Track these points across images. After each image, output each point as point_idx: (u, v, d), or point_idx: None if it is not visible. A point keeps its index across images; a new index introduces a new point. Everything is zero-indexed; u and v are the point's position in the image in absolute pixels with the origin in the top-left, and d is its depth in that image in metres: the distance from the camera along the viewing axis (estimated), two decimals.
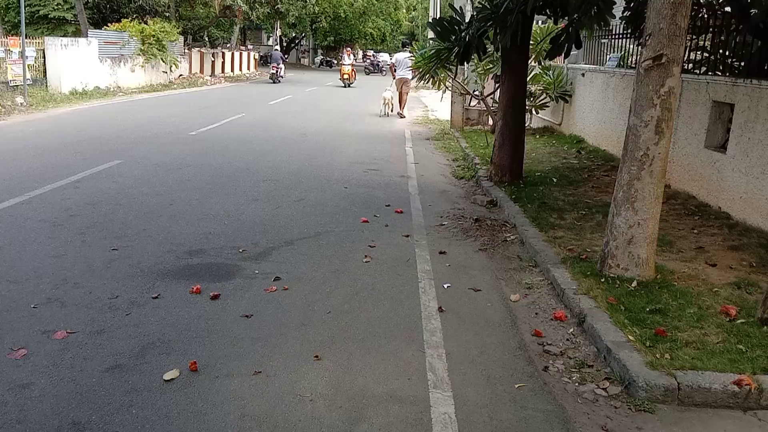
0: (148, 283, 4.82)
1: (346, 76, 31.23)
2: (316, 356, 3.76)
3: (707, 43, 8.39)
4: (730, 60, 7.82)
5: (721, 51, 7.91)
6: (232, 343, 3.90)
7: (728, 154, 6.98)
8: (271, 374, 3.55)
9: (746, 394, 3.37)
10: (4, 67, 16.70)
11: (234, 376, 3.51)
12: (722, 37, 7.83)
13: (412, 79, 17.67)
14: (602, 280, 4.83)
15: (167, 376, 3.46)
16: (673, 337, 3.90)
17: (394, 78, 18.96)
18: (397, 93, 18.55)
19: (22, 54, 16.95)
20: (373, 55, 55.49)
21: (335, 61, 52.35)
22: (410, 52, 17.64)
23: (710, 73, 7.85)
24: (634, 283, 4.73)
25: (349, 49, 33.69)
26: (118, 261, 5.25)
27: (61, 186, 7.70)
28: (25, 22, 17.75)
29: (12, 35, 19.71)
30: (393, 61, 19.99)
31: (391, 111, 18.51)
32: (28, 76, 17.43)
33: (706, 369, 3.52)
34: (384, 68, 44.45)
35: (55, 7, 28.56)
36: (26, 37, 17.42)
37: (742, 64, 7.51)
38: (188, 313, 4.30)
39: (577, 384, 3.63)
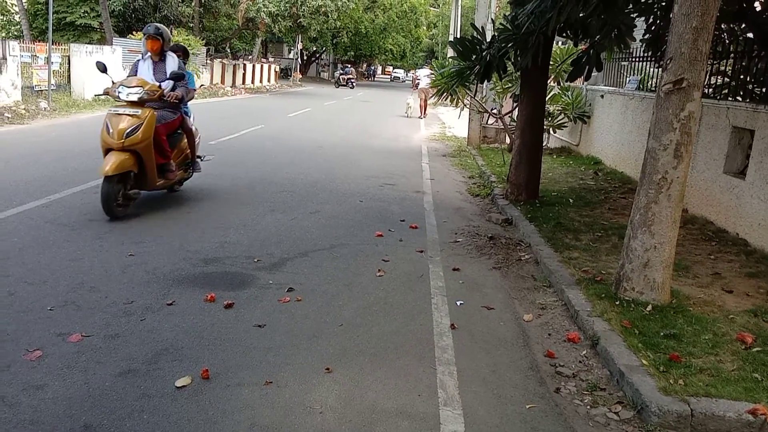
0: (164, 289, 4.86)
1: (109, 168, 6.34)
2: (327, 369, 3.77)
3: (728, 69, 8.36)
4: (751, 86, 7.78)
5: (742, 77, 7.88)
6: (245, 353, 3.92)
7: (747, 180, 6.92)
8: (282, 385, 3.56)
9: (761, 424, 3.33)
10: (30, 72, 17.02)
11: (245, 386, 3.52)
12: (743, 63, 7.80)
13: (432, 96, 20.94)
14: (617, 302, 4.80)
15: (179, 383, 3.48)
16: (688, 363, 3.86)
17: (415, 89, 25.98)
18: (418, 100, 24.37)
19: (48, 60, 17.27)
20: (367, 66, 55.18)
21: (345, 75, 50.81)
22: (430, 69, 23.61)
23: (731, 99, 7.81)
24: (649, 307, 4.70)
25: (159, 36, 7.17)
26: (135, 267, 5.30)
27: (80, 190, 7.80)
28: (52, 29, 18.10)
29: (39, 41, 20.09)
30: (417, 75, 28.80)
31: (414, 115, 23.92)
32: (53, 81, 17.75)
33: (721, 396, 3.47)
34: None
35: (82, 15, 29.07)
36: (52, 44, 17.74)
37: (764, 90, 7.47)
38: (202, 321, 4.33)
39: (588, 407, 3.60)
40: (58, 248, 5.62)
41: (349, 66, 53.11)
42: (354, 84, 46.53)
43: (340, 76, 48.17)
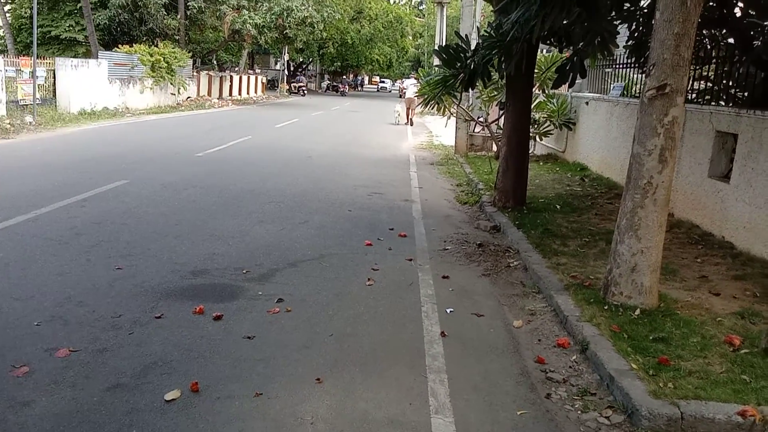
0: (152, 302, 4.82)
1: None
2: (318, 379, 3.75)
3: (711, 74, 8.46)
4: (733, 90, 7.88)
5: (724, 81, 7.98)
6: (234, 365, 3.89)
7: (732, 183, 6.99)
8: (272, 396, 3.54)
9: (750, 426, 3.35)
10: (15, 86, 16.91)
11: (235, 398, 3.50)
12: (725, 68, 7.90)
13: (418, 105, 22.44)
14: (605, 307, 4.82)
15: (168, 396, 3.46)
16: (677, 366, 3.88)
17: (403, 97, 28.56)
18: (405, 108, 25.81)
19: (32, 74, 17.17)
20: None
21: (341, 86, 53.58)
22: (416, 78, 25.06)
23: (714, 103, 7.91)
24: (638, 311, 4.72)
25: None
26: (122, 280, 5.27)
27: (67, 204, 7.74)
28: (37, 43, 18.01)
29: (24, 55, 19.99)
30: (404, 84, 31.29)
31: (400, 122, 25.45)
32: (38, 95, 17.63)
33: (710, 399, 3.49)
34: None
35: (67, 29, 28.95)
36: (37, 58, 17.65)
37: (746, 94, 7.57)
38: (191, 334, 4.30)
39: (579, 412, 3.60)
40: (44, 263, 5.57)
41: (300, 74, 54.73)
42: (305, 92, 47.88)
43: (291, 84, 50.00)
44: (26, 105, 17.04)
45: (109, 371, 3.71)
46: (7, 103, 16.26)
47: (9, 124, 15.12)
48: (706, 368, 3.88)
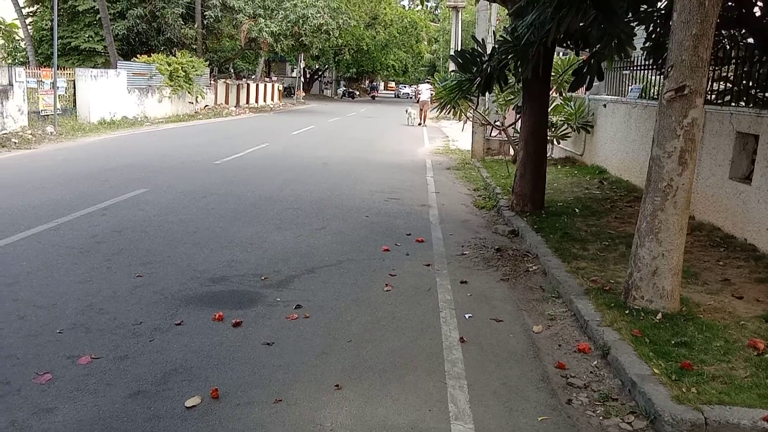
0: (172, 309, 4.86)
1: None
2: (337, 385, 3.75)
3: (730, 74, 8.36)
4: (754, 91, 7.77)
5: (744, 82, 7.88)
6: (254, 371, 3.91)
7: (753, 185, 6.90)
8: (291, 402, 3.54)
9: None
10: (36, 97, 17.18)
11: (255, 404, 3.51)
12: (745, 69, 7.80)
13: (433, 109, 24.97)
14: (626, 311, 4.77)
15: (189, 402, 3.48)
16: (700, 370, 3.83)
17: (417, 101, 31.64)
18: (419, 111, 28.27)
19: (53, 85, 17.45)
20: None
21: (357, 93, 53.51)
22: (430, 83, 25.36)
23: (734, 104, 7.81)
24: (659, 315, 4.67)
25: None
26: (143, 287, 5.31)
27: (88, 213, 7.84)
28: (57, 54, 18.30)
29: (44, 66, 20.32)
30: (419, 89, 33.37)
31: (414, 123, 27.57)
32: (59, 106, 17.91)
33: (734, 404, 3.44)
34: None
35: (86, 39, 29.39)
36: (58, 69, 17.93)
37: (766, 95, 7.46)
38: (210, 340, 4.33)
39: (601, 418, 3.56)
40: (66, 271, 5.64)
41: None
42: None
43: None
44: (47, 115, 17.31)
45: (131, 378, 3.74)
46: (28, 113, 16.53)
47: (31, 134, 15.37)
48: (730, 373, 3.82)
